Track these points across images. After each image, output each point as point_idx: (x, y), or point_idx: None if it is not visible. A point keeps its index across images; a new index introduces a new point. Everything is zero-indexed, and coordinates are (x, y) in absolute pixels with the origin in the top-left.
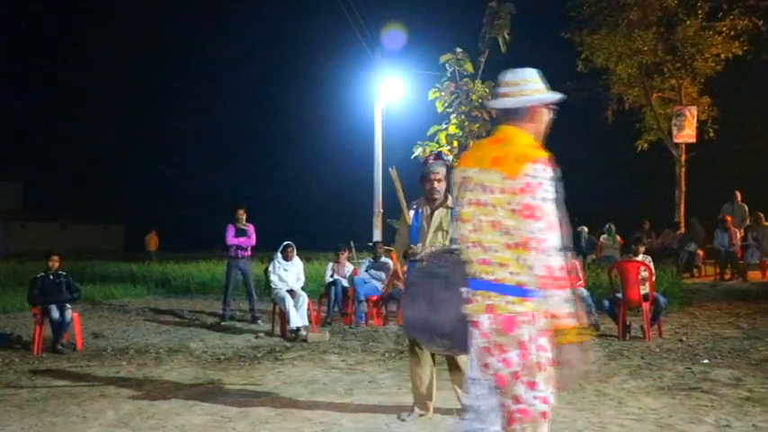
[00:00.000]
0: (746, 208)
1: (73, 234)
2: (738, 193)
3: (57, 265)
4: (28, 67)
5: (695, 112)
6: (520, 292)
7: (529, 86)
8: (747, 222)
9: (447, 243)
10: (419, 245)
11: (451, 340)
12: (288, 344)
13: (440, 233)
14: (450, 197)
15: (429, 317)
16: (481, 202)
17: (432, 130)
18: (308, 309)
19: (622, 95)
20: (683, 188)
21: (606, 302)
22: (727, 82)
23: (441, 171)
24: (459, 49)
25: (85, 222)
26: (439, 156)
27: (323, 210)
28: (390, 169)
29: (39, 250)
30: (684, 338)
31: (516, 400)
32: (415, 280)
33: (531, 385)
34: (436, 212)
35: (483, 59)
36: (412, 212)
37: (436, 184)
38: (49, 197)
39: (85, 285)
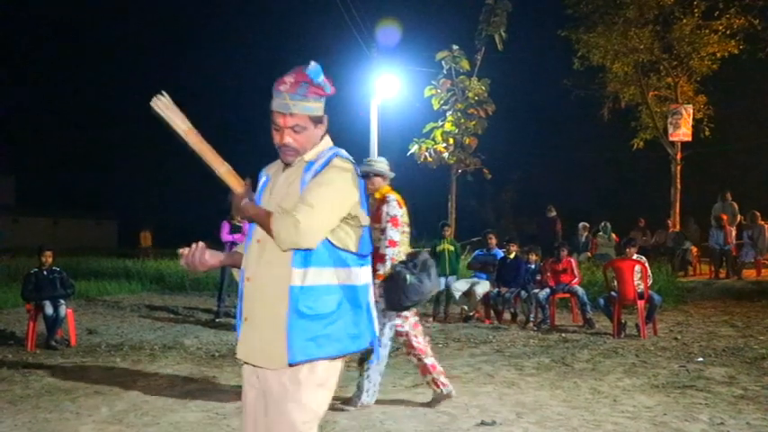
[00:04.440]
0: (736, 206)
1: (66, 229)
2: (728, 193)
3: (50, 260)
4: (21, 61)
5: (691, 111)
6: None
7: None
8: (737, 221)
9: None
10: None
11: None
12: None
13: None
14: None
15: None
16: None
17: (427, 127)
18: None
19: (618, 94)
20: (679, 186)
21: (601, 300)
22: (723, 81)
23: (299, 109)
24: (455, 47)
25: (79, 218)
26: (298, 82)
27: None
28: (156, 98)
29: (32, 246)
30: (679, 337)
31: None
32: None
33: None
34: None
35: (479, 57)
36: (262, 180)
37: (287, 135)
38: (42, 192)
39: (79, 281)
